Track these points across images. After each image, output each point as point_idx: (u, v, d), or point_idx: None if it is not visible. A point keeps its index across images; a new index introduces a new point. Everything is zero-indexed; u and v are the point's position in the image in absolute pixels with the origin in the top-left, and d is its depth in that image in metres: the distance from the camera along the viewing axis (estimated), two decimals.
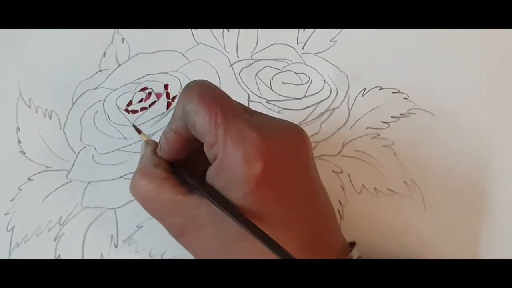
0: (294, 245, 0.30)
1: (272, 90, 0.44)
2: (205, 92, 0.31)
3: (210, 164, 0.32)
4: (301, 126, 0.41)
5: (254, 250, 0.31)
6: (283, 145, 0.32)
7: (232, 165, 0.30)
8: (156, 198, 0.33)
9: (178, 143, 0.34)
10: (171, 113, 0.43)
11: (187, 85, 0.32)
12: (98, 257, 0.40)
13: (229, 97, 0.32)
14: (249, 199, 0.30)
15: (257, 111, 0.35)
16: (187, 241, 0.34)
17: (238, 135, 0.30)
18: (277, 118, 0.35)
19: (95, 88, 0.44)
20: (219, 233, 0.32)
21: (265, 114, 0.35)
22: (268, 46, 0.46)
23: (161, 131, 0.42)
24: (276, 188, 0.31)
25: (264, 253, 0.30)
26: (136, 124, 0.43)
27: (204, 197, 0.32)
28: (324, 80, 0.45)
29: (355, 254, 0.34)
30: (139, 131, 0.40)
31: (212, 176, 0.32)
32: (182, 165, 0.35)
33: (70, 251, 0.40)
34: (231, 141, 0.30)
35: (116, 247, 0.40)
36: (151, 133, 0.43)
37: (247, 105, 0.43)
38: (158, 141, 0.36)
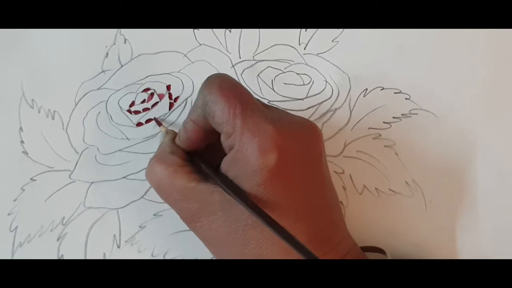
0: (302, 235, 0.31)
1: (274, 91, 0.44)
2: (225, 84, 0.33)
3: (224, 155, 0.33)
4: None
5: (262, 239, 0.32)
6: (297, 138, 0.33)
7: (248, 155, 0.31)
8: (170, 183, 0.34)
9: (196, 133, 0.35)
10: (173, 113, 0.43)
11: (209, 78, 0.34)
12: (100, 257, 0.40)
13: (247, 90, 0.33)
14: (261, 189, 0.31)
15: (273, 106, 0.37)
16: (197, 226, 0.34)
17: (255, 127, 0.31)
18: (292, 114, 0.36)
19: (97, 89, 0.45)
20: (229, 220, 0.33)
21: (281, 109, 0.37)
22: (270, 47, 0.46)
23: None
24: (288, 180, 0.32)
25: (271, 242, 0.32)
26: (138, 124, 0.43)
27: (217, 184, 0.33)
28: (326, 81, 0.45)
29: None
30: (159, 123, 0.41)
31: (227, 165, 0.33)
32: (198, 155, 0.36)
33: (72, 251, 0.40)
34: (248, 132, 0.31)
35: (118, 247, 0.40)
36: (154, 134, 0.43)
37: None
38: (177, 132, 0.37)
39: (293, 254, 0.30)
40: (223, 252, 0.35)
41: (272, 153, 0.31)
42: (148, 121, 0.43)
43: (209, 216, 0.33)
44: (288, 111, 0.37)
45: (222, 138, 0.33)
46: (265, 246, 0.32)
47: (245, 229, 0.32)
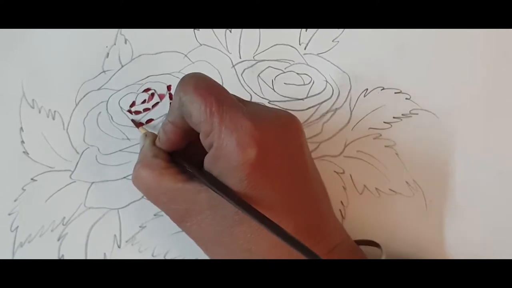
0: (288, 227, 0.31)
1: (274, 91, 0.44)
2: (200, 83, 0.33)
3: (207, 153, 0.33)
4: (303, 127, 0.41)
5: (250, 234, 0.33)
6: (276, 132, 0.33)
7: (227, 152, 0.31)
8: (157, 187, 0.34)
9: (176, 134, 0.35)
10: None
11: (183, 78, 0.34)
12: (101, 257, 0.40)
13: (223, 88, 0.34)
14: (244, 184, 0.32)
15: (250, 101, 0.37)
16: (187, 226, 0.35)
17: (232, 123, 0.32)
18: (269, 107, 0.37)
19: (98, 89, 0.45)
20: (217, 218, 0.33)
21: (258, 103, 0.37)
22: (271, 47, 0.46)
23: None
24: (270, 173, 0.32)
25: (260, 236, 0.32)
26: (139, 125, 0.43)
27: (203, 183, 0.33)
28: (326, 81, 0.45)
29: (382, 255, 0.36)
30: (137, 125, 0.41)
31: (209, 163, 0.33)
32: (180, 155, 0.36)
33: (73, 251, 0.40)
34: (226, 129, 0.31)
35: (119, 247, 0.40)
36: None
37: None
38: (156, 134, 0.38)
39: (281, 248, 0.31)
40: (214, 250, 0.35)
41: (251, 148, 0.31)
42: (148, 121, 0.43)
43: (197, 215, 0.34)
44: (268, 106, 0.37)
45: (201, 137, 0.33)
46: (254, 241, 0.33)
47: (232, 226, 0.33)
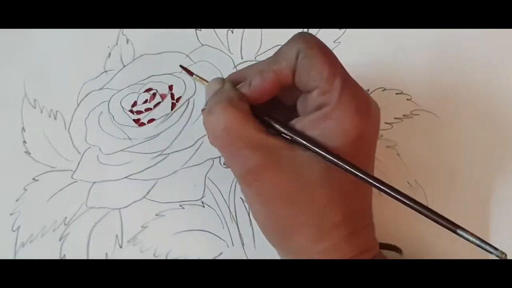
0: (347, 205, 0.32)
1: None
2: (323, 43, 0.33)
3: (281, 116, 0.34)
4: None
5: (328, 199, 0.32)
6: (377, 114, 0.34)
7: (343, 115, 0.31)
8: (239, 130, 0.32)
9: (273, 84, 0.33)
10: (175, 114, 0.43)
11: (302, 33, 0.34)
12: (103, 257, 0.40)
13: None
14: (346, 149, 0.32)
15: None
16: (255, 180, 0.33)
17: (354, 90, 0.32)
18: None
19: (100, 89, 0.45)
20: (297, 177, 0.32)
21: None
22: (272, 48, 0.46)
23: (165, 132, 0.42)
24: (363, 149, 0.33)
25: (339, 203, 0.32)
26: (141, 124, 0.43)
27: (292, 139, 0.32)
28: None
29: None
30: (191, 73, 0.38)
31: (309, 122, 0.32)
32: (262, 111, 0.34)
33: (75, 251, 0.40)
34: (348, 93, 0.31)
35: (120, 247, 0.40)
36: (156, 134, 0.43)
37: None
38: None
39: (351, 219, 0.33)
40: (279, 209, 0.33)
41: (367, 117, 0.32)
42: (150, 121, 0.43)
43: (276, 170, 0.32)
44: None
45: (314, 94, 0.32)
46: (330, 205, 0.32)
47: (313, 188, 0.32)
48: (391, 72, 0.45)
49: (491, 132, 0.44)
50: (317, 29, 0.46)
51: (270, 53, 0.45)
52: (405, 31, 0.46)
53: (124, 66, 0.45)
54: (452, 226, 0.30)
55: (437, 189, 0.42)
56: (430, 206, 0.41)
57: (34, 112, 0.44)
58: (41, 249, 0.40)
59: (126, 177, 0.42)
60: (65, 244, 0.40)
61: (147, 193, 0.41)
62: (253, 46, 0.46)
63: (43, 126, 0.44)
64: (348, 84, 0.32)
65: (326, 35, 0.46)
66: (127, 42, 0.46)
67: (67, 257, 0.40)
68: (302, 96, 0.34)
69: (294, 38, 0.33)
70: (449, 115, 0.44)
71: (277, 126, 0.33)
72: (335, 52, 0.45)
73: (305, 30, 0.46)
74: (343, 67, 0.33)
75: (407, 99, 0.45)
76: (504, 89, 0.45)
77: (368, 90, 0.45)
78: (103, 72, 0.45)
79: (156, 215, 0.41)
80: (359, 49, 0.46)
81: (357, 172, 0.31)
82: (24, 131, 0.43)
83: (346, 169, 0.31)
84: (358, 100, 0.32)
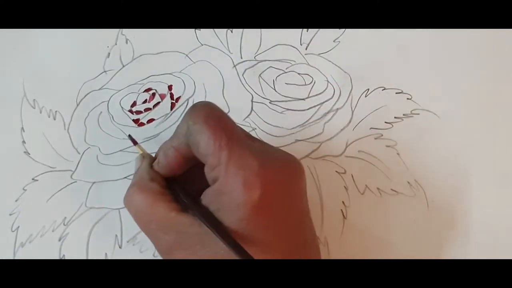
0: None
1: (276, 91, 0.44)
2: (211, 115, 0.32)
3: (203, 182, 0.33)
4: (304, 127, 0.41)
5: None
6: (281, 175, 0.32)
7: (232, 189, 0.31)
8: (149, 213, 0.33)
9: (177, 160, 0.34)
10: (175, 114, 0.43)
11: (194, 105, 0.33)
12: (102, 257, 0.40)
13: (233, 121, 0.33)
14: (243, 224, 0.31)
15: (256, 138, 0.36)
16: (172, 258, 0.34)
17: (240, 161, 0.31)
18: (275, 147, 0.36)
19: (99, 89, 0.45)
20: (207, 254, 0.32)
21: (264, 142, 0.36)
22: (272, 47, 0.46)
23: (165, 132, 0.42)
24: (270, 216, 0.32)
25: None
26: (140, 124, 0.43)
27: (197, 217, 0.32)
28: (328, 81, 0.45)
29: None
30: (135, 143, 0.39)
31: (209, 197, 0.32)
32: (176, 182, 0.35)
33: (74, 251, 0.40)
34: (233, 166, 0.31)
35: (120, 247, 0.40)
36: (155, 134, 0.43)
37: (250, 106, 0.44)
38: (153, 155, 0.36)
39: None
40: None
41: (256, 188, 0.30)
42: (149, 121, 0.43)
43: (186, 249, 0.33)
44: (274, 146, 0.36)
45: (206, 169, 0.32)
46: None
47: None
48: (391, 71, 0.45)
49: (491, 131, 0.44)
50: (316, 30, 0.46)
51: (270, 53, 0.46)
52: (405, 31, 0.46)
53: (123, 66, 0.45)
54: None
55: (437, 189, 0.42)
56: (430, 206, 0.41)
57: (34, 112, 0.44)
58: (40, 249, 0.40)
59: (125, 177, 0.42)
60: (65, 244, 0.40)
61: None
62: (253, 46, 0.46)
63: (43, 126, 0.43)
64: (233, 156, 0.31)
65: (326, 35, 0.46)
66: (126, 42, 0.46)
67: (67, 257, 0.40)
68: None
69: (186, 112, 0.33)
70: (449, 114, 0.44)
71: (185, 201, 0.33)
72: (335, 52, 0.46)
73: (305, 30, 0.46)
74: (232, 135, 0.32)
75: (407, 99, 0.45)
76: (505, 88, 0.45)
77: (368, 89, 0.45)
78: (102, 72, 0.45)
79: None
80: (359, 48, 0.46)
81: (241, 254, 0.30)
82: (24, 131, 0.43)
83: (231, 250, 0.30)
84: (246, 171, 0.31)
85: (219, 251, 0.31)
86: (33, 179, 0.42)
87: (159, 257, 0.40)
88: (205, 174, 0.33)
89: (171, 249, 0.33)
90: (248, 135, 0.35)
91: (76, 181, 0.42)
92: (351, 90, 0.45)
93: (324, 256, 0.38)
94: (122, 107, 0.44)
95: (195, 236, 0.32)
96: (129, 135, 0.40)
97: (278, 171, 0.32)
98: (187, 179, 0.35)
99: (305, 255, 0.34)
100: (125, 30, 0.46)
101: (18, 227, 0.41)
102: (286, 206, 0.33)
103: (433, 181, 0.42)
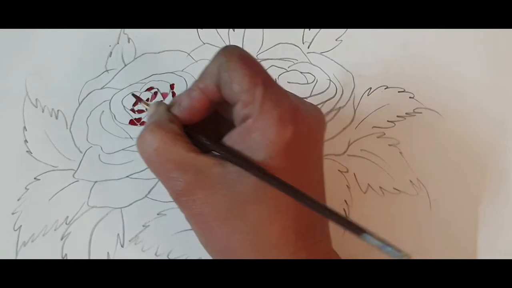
0: (289, 220, 0.31)
1: None
2: (245, 54, 0.32)
3: (219, 133, 0.33)
4: None
5: (263, 215, 0.31)
6: (310, 119, 0.33)
7: (267, 125, 0.30)
8: (168, 151, 0.32)
9: (201, 102, 0.33)
10: None
11: (226, 46, 0.33)
12: (104, 256, 0.40)
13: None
14: (274, 161, 0.31)
15: None
16: (189, 200, 0.32)
17: (276, 98, 0.31)
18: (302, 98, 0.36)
19: (101, 88, 0.45)
20: (229, 194, 0.31)
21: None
22: (274, 46, 0.46)
23: None
24: (297, 157, 0.32)
25: (273, 219, 0.31)
26: (141, 124, 0.43)
27: (222, 156, 0.31)
28: (330, 80, 0.45)
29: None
30: (140, 100, 0.38)
31: (236, 137, 0.32)
32: (194, 128, 0.34)
33: (76, 250, 0.40)
34: (269, 102, 0.30)
35: (122, 246, 0.40)
36: None
37: None
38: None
39: (289, 236, 0.31)
40: (215, 229, 0.32)
41: (291, 125, 0.30)
42: None
43: (206, 189, 0.32)
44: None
45: (237, 108, 0.31)
46: (264, 224, 0.31)
47: (245, 204, 0.31)
48: (394, 70, 0.45)
49: (493, 130, 0.44)
50: (318, 29, 0.46)
51: (272, 52, 0.46)
52: (407, 30, 0.46)
53: (125, 65, 0.45)
54: (358, 231, 0.29)
55: (439, 188, 0.42)
56: (432, 205, 0.41)
57: (36, 111, 0.44)
58: (42, 249, 0.40)
59: (127, 176, 0.42)
60: (67, 243, 0.40)
61: (149, 192, 0.41)
62: (255, 45, 0.46)
63: (45, 125, 0.44)
64: (270, 92, 0.31)
65: (328, 33, 0.46)
66: (128, 41, 0.46)
67: (69, 257, 0.40)
68: (233, 109, 0.33)
69: (217, 52, 0.32)
70: (452, 113, 0.44)
71: (207, 143, 0.33)
72: (337, 50, 0.46)
73: (307, 29, 0.46)
74: (267, 75, 0.31)
75: (410, 97, 0.44)
76: (506, 88, 0.45)
77: (370, 88, 0.44)
78: (104, 71, 0.45)
79: (158, 214, 0.41)
80: (361, 47, 0.46)
81: (283, 187, 0.30)
82: (26, 130, 0.43)
83: (272, 184, 0.30)
84: (282, 107, 0.31)
85: (243, 190, 0.31)
86: (35, 178, 0.42)
87: (161, 257, 0.40)
88: (234, 114, 0.32)
89: (188, 189, 0.32)
90: None
91: (78, 180, 0.42)
92: (353, 88, 0.45)
93: None
94: (124, 106, 0.44)
95: (216, 176, 0.31)
96: (133, 93, 0.39)
97: (308, 115, 0.32)
98: (203, 128, 0.34)
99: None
100: (127, 30, 0.46)
101: (21, 226, 0.41)
102: (311, 151, 0.33)
103: (435, 180, 0.42)
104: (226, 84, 0.31)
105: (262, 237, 0.31)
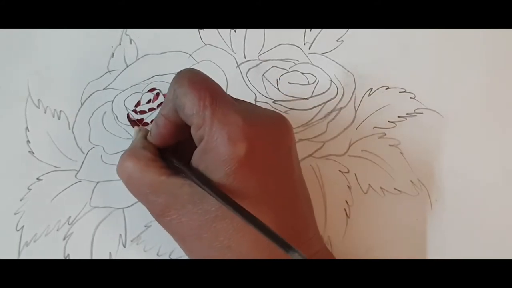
0: (270, 226, 0.30)
1: (279, 90, 0.44)
2: (195, 77, 0.33)
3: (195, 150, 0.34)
4: (308, 126, 0.41)
5: (232, 230, 0.32)
6: (266, 130, 0.33)
7: (217, 145, 0.32)
8: (140, 177, 0.34)
9: (167, 128, 0.35)
10: None
11: (178, 72, 0.34)
12: (106, 256, 0.40)
13: (218, 85, 0.34)
14: (231, 179, 0.32)
15: (243, 100, 0.36)
16: (166, 221, 0.34)
17: (224, 118, 0.32)
18: (261, 107, 0.37)
19: (103, 89, 0.45)
20: (199, 213, 0.33)
21: (250, 103, 0.37)
22: (275, 47, 0.46)
23: None
24: (257, 170, 0.32)
25: (242, 233, 0.32)
26: (143, 125, 0.43)
27: (187, 177, 0.33)
28: (331, 80, 0.45)
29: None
30: (133, 124, 0.40)
31: (197, 157, 0.33)
32: (169, 151, 0.36)
33: (78, 251, 0.40)
34: (218, 123, 0.32)
35: (124, 246, 0.40)
36: None
37: None
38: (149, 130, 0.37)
39: (262, 247, 0.31)
40: (192, 245, 0.35)
41: (241, 142, 0.31)
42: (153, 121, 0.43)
43: (179, 209, 0.33)
44: (260, 106, 0.37)
45: (192, 130, 0.33)
46: (234, 238, 0.32)
47: (214, 221, 0.33)
48: (395, 70, 0.45)
49: (494, 130, 0.44)
50: (320, 29, 0.46)
51: (273, 52, 0.46)
52: (408, 30, 0.46)
53: (127, 66, 0.45)
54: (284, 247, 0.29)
55: (440, 188, 0.42)
56: (433, 205, 0.41)
57: (38, 112, 0.44)
58: (45, 249, 0.40)
59: None
60: (69, 243, 0.40)
61: None
62: (256, 45, 0.46)
63: (47, 126, 0.44)
64: (218, 112, 0.32)
65: (329, 34, 0.46)
66: (130, 42, 0.46)
67: (71, 257, 0.40)
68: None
69: (172, 79, 0.34)
70: (453, 113, 0.44)
71: (177, 166, 0.34)
72: (338, 51, 0.46)
73: (308, 29, 0.46)
74: (216, 95, 0.33)
75: (411, 98, 0.45)
76: (506, 88, 0.45)
77: (371, 89, 0.45)
78: (106, 72, 0.45)
79: None
80: (363, 47, 0.46)
81: (230, 206, 0.30)
82: (28, 130, 0.44)
83: (226, 202, 0.31)
84: (230, 126, 0.32)
85: (210, 208, 0.33)
86: (37, 178, 0.42)
87: (163, 257, 0.40)
88: (192, 135, 0.33)
89: (164, 211, 0.34)
90: (234, 98, 0.35)
91: (80, 181, 0.42)
92: (354, 89, 0.45)
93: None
94: (126, 107, 0.44)
95: (185, 196, 0.33)
96: (128, 116, 0.41)
97: (263, 127, 0.33)
98: (180, 151, 0.36)
99: (297, 209, 0.35)
100: (129, 30, 0.46)
101: (23, 226, 0.41)
102: (274, 161, 0.34)
103: (436, 180, 0.42)
104: (179, 109, 0.33)
105: (234, 250, 0.33)
